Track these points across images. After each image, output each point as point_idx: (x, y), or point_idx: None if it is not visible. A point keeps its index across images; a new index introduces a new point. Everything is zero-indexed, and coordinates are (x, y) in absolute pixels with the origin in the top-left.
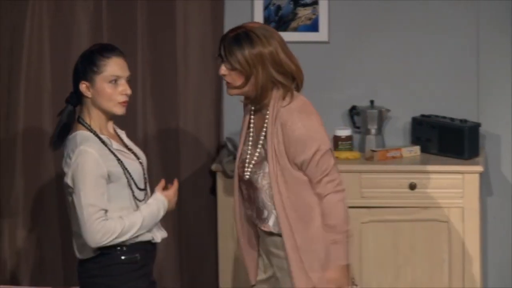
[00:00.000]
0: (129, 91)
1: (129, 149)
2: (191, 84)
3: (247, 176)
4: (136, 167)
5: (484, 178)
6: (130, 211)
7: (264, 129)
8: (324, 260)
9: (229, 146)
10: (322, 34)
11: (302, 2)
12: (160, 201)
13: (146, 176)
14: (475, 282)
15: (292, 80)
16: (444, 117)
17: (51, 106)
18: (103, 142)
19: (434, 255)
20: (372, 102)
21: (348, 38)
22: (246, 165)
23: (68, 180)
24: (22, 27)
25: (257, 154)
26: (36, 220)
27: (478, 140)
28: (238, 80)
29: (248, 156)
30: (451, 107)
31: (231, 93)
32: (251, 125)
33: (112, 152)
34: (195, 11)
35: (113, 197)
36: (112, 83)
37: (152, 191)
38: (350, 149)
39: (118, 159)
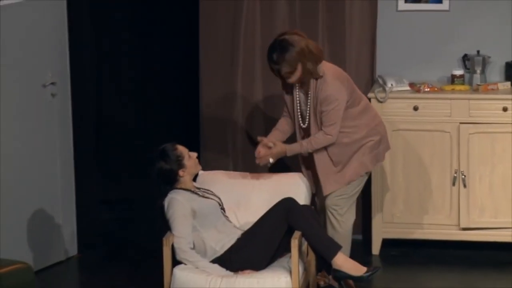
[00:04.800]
0: None
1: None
2: (354, 39)
3: (305, 125)
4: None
5: None
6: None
7: (309, 92)
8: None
9: (380, 81)
10: (444, 5)
11: None
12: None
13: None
14: None
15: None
16: None
17: (261, 93)
18: None
19: None
20: (478, 51)
21: (462, 7)
22: (307, 116)
23: None
24: (238, 24)
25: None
26: None
27: None
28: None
29: (305, 109)
30: None
31: (291, 82)
32: (297, 90)
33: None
34: None
35: None
36: None
37: None
38: (462, 83)
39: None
